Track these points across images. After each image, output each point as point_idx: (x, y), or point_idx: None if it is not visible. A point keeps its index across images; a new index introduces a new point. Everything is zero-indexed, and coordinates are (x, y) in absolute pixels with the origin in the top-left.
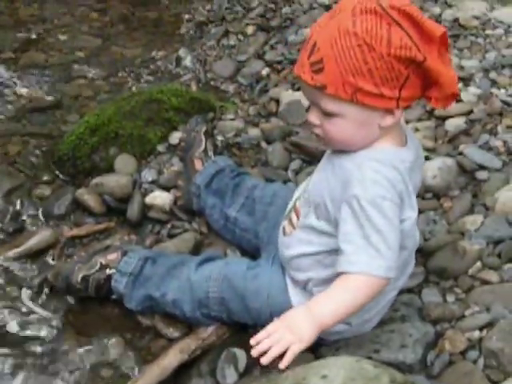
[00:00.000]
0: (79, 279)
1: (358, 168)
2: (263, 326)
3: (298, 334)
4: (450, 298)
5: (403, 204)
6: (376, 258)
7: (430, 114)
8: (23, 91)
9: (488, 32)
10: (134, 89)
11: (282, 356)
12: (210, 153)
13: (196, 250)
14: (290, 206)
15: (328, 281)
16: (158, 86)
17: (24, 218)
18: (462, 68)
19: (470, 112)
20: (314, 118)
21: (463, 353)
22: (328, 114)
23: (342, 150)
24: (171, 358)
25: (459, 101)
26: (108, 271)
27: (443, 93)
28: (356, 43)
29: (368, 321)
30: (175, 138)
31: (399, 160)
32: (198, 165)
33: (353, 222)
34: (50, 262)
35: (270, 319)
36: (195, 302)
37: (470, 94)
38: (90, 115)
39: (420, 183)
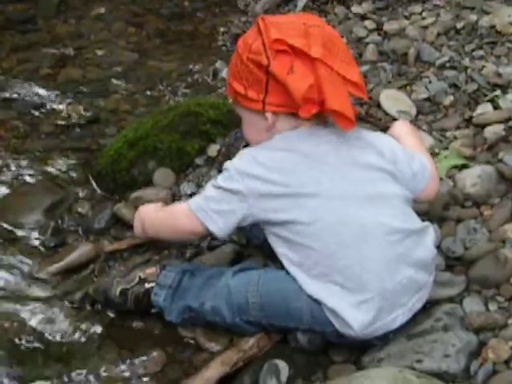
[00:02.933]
0: (118, 293)
1: None
2: (305, 328)
3: None
4: (493, 307)
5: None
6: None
7: (469, 121)
8: (61, 107)
9: None
10: (171, 102)
11: None
12: None
13: (236, 262)
14: None
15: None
16: (195, 98)
17: (64, 233)
18: (499, 75)
19: (509, 119)
20: None
21: (507, 362)
22: None
23: None
24: (213, 371)
25: (497, 108)
26: (147, 285)
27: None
28: (236, 49)
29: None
30: (213, 150)
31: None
32: None
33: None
34: (91, 276)
35: (311, 320)
36: (234, 308)
37: (508, 100)
38: (128, 129)
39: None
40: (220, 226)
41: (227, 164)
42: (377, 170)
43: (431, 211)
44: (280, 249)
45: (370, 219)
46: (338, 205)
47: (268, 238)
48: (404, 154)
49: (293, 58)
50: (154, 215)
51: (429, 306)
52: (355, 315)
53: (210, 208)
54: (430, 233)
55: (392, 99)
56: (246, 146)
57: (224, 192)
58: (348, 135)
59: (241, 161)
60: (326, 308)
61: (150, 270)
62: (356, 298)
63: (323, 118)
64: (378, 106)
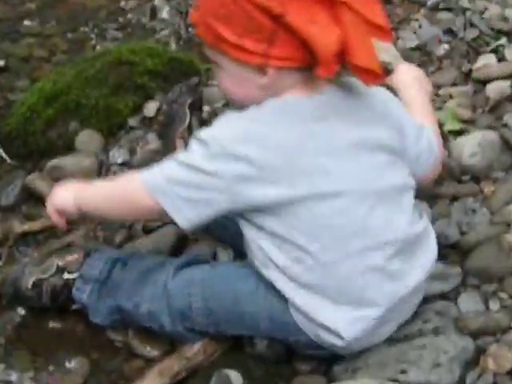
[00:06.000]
0: (30, 285)
1: None
2: (262, 335)
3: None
4: (494, 306)
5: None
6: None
7: (467, 76)
8: None
9: None
10: (98, 48)
11: None
12: (196, 130)
13: (178, 248)
14: None
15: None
16: (128, 44)
17: None
18: (505, 19)
19: None
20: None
21: (510, 372)
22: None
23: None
24: (149, 383)
25: (502, 60)
26: (66, 275)
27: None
28: None
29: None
30: (151, 109)
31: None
32: (179, 145)
33: None
34: None
35: (270, 326)
36: (175, 314)
37: None
38: (45, 81)
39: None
40: (189, 217)
41: (205, 133)
42: (387, 151)
43: (420, 187)
44: (263, 245)
45: (379, 226)
46: (345, 202)
47: (245, 229)
48: (412, 126)
49: (311, 3)
50: (94, 186)
51: None
52: (349, 328)
53: (175, 194)
54: (431, 232)
55: None
56: (192, 104)
57: (196, 173)
58: (361, 100)
59: (227, 131)
60: (307, 318)
61: (71, 257)
62: (354, 313)
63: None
64: None
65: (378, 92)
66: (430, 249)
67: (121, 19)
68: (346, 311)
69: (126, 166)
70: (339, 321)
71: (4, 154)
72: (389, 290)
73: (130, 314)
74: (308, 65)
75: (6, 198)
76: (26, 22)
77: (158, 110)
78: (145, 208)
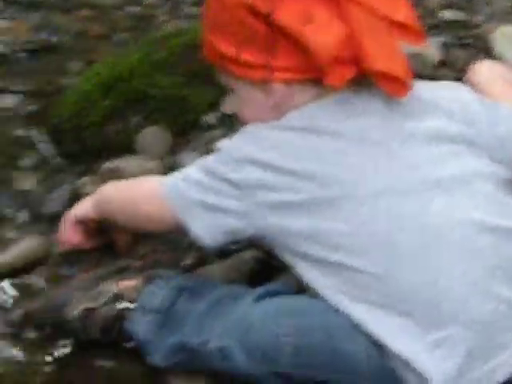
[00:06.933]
0: (77, 314)
1: None
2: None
3: None
4: None
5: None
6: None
7: None
8: (2, 25)
9: None
10: (168, 26)
11: None
12: None
13: (256, 277)
14: None
15: None
16: None
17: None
18: None
19: None
20: None
21: None
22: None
23: None
24: None
25: None
26: (122, 304)
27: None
28: None
29: None
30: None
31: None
32: None
33: None
34: (36, 286)
35: (367, 370)
36: (254, 351)
37: None
38: (102, 64)
39: None
40: (204, 225)
41: (222, 143)
42: (447, 140)
43: None
44: (307, 273)
45: (440, 217)
46: (389, 202)
47: (283, 258)
48: (483, 108)
49: (309, 0)
50: (113, 187)
51: None
52: (433, 363)
53: (190, 196)
54: None
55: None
56: None
57: (215, 178)
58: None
59: (241, 141)
60: (390, 354)
61: (128, 283)
62: (431, 335)
63: (359, 80)
64: (487, 51)
65: (431, 83)
66: None
67: None
68: (421, 333)
69: None
70: (418, 349)
71: (51, 150)
72: (468, 304)
73: (195, 352)
74: (320, 75)
75: (51, 206)
76: None
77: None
78: (154, 211)
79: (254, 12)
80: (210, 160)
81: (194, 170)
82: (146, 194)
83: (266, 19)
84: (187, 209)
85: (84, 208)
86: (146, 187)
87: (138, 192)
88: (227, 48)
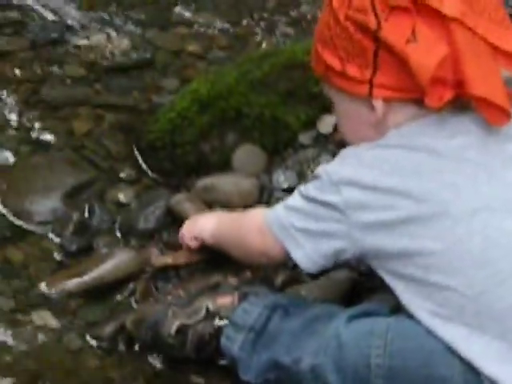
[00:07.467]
0: (173, 331)
1: None
2: None
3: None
4: None
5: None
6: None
7: None
8: (97, 39)
9: None
10: (264, 45)
11: None
12: None
13: (352, 298)
14: None
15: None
16: (302, 42)
17: (93, 232)
18: None
19: None
20: None
21: None
22: None
23: None
24: None
25: None
26: (217, 322)
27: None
28: (326, 4)
29: None
30: (327, 124)
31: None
32: None
33: None
34: (130, 301)
35: None
36: (347, 371)
37: None
38: (200, 82)
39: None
40: (307, 252)
41: (319, 169)
42: None
43: None
44: (402, 293)
45: None
46: (485, 220)
47: (383, 277)
48: None
49: (415, 19)
50: (221, 219)
51: None
52: None
53: (292, 224)
54: None
55: None
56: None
57: (315, 204)
58: None
59: (339, 165)
60: (486, 378)
61: (224, 300)
62: None
63: (459, 103)
64: None
65: None
66: None
67: (293, 12)
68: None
69: (292, 191)
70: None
71: (145, 167)
72: None
73: (288, 371)
74: (420, 95)
75: (145, 222)
76: (179, 9)
77: (336, 125)
78: (258, 243)
79: (363, 28)
80: (309, 187)
81: (295, 199)
82: (252, 229)
83: (374, 35)
84: (289, 237)
85: (205, 233)
86: (252, 223)
87: (246, 229)
88: (333, 60)
